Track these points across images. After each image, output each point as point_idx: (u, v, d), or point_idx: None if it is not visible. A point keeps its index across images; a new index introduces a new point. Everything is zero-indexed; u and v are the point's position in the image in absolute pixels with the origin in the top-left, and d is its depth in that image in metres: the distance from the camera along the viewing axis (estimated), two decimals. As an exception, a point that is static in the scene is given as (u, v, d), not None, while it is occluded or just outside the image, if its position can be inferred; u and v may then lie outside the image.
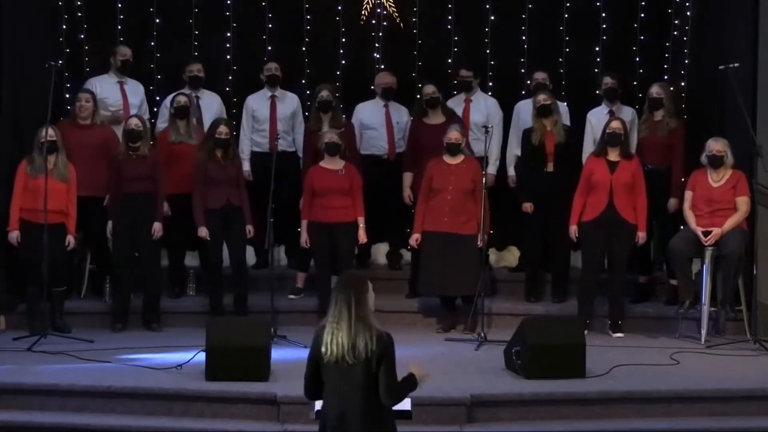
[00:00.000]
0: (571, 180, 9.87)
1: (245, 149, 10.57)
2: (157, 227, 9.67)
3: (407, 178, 10.45)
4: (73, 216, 9.49)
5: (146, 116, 10.47)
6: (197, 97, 10.53)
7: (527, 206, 10.18)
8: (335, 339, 5.50)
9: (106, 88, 10.43)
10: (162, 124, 10.52)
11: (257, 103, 10.70)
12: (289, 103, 10.70)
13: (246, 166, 10.48)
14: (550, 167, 10.09)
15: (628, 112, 10.39)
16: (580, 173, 9.83)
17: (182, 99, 10.15)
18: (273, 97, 10.67)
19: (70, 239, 9.48)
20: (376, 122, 10.65)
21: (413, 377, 5.63)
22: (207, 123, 10.24)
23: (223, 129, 9.75)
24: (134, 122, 9.72)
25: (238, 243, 9.85)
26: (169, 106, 10.27)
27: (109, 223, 9.68)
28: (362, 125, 10.65)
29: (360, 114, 10.69)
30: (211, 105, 10.59)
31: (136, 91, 10.56)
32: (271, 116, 10.61)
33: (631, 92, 10.90)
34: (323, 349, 5.52)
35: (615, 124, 9.66)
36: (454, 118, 10.31)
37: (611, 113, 10.32)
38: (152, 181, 9.69)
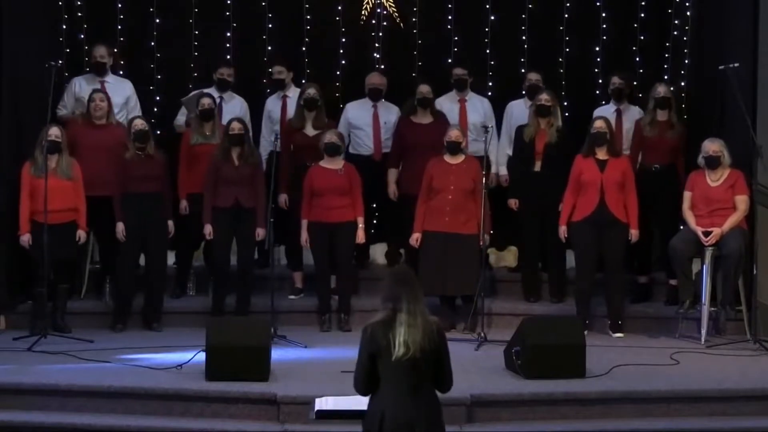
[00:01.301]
0: (559, 181, 9.89)
1: (264, 152, 10.55)
2: (170, 225, 9.70)
3: (392, 174, 10.45)
4: (83, 212, 9.51)
5: (135, 113, 10.39)
6: (221, 98, 10.50)
7: (512, 202, 10.22)
8: (413, 336, 5.46)
9: (86, 87, 10.32)
10: (181, 117, 10.50)
11: (273, 104, 10.69)
12: None
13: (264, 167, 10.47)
14: (537, 167, 10.10)
15: (635, 112, 10.39)
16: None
17: (207, 101, 10.08)
18: (284, 97, 10.66)
19: (81, 234, 9.50)
20: (363, 122, 10.63)
21: None
22: None
23: (235, 125, 9.74)
24: (140, 123, 9.71)
25: (245, 245, 9.83)
26: (195, 107, 10.21)
27: (120, 224, 9.65)
28: (350, 125, 10.63)
29: (348, 113, 10.68)
30: (233, 108, 10.52)
31: (120, 90, 10.45)
32: (282, 116, 10.60)
33: (631, 92, 10.89)
34: (400, 347, 5.45)
35: (598, 124, 9.66)
36: (442, 120, 10.30)
37: (618, 112, 10.34)
38: (160, 181, 9.70)
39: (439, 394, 5.64)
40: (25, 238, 9.37)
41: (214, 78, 10.60)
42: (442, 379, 5.62)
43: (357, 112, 10.67)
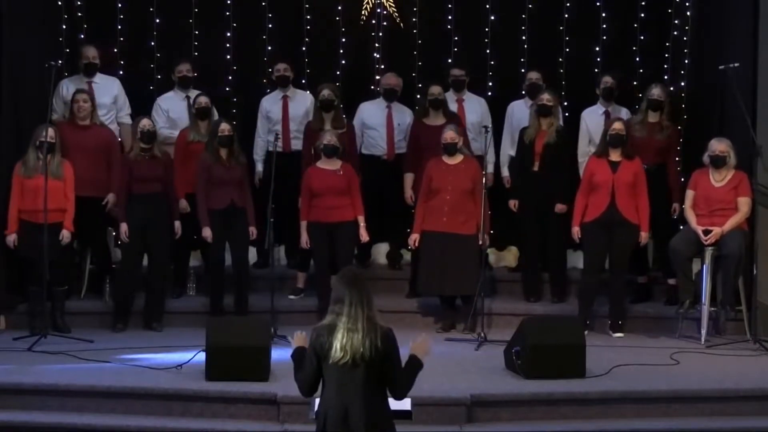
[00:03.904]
0: (557, 181, 9.89)
1: (260, 151, 10.55)
2: (177, 226, 9.70)
3: (408, 178, 10.44)
4: (71, 212, 9.50)
5: (125, 111, 10.42)
6: (188, 97, 10.49)
7: (512, 203, 10.21)
8: (351, 340, 5.45)
9: (74, 89, 10.21)
10: (162, 124, 10.48)
11: (271, 104, 10.69)
12: (302, 102, 10.63)
13: (259, 167, 10.47)
14: (536, 167, 10.10)
15: (623, 113, 10.39)
16: (572, 174, 9.87)
17: (203, 100, 10.12)
18: (285, 97, 10.66)
19: (65, 233, 9.47)
20: (377, 122, 10.63)
21: (416, 358, 5.63)
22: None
23: (225, 127, 9.76)
24: (147, 124, 9.70)
25: (240, 244, 9.84)
26: (173, 109, 10.19)
27: (123, 225, 9.66)
28: (363, 125, 10.65)
29: (362, 113, 10.69)
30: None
31: (107, 90, 10.43)
32: (284, 116, 10.60)
33: (630, 92, 10.89)
34: (337, 351, 5.46)
35: (617, 125, 9.66)
36: (455, 120, 10.29)
37: (607, 113, 10.33)
38: (163, 182, 9.70)
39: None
40: (11, 239, 9.37)
41: (173, 78, 10.55)
42: (392, 385, 5.57)
43: (371, 112, 10.66)
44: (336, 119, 10.20)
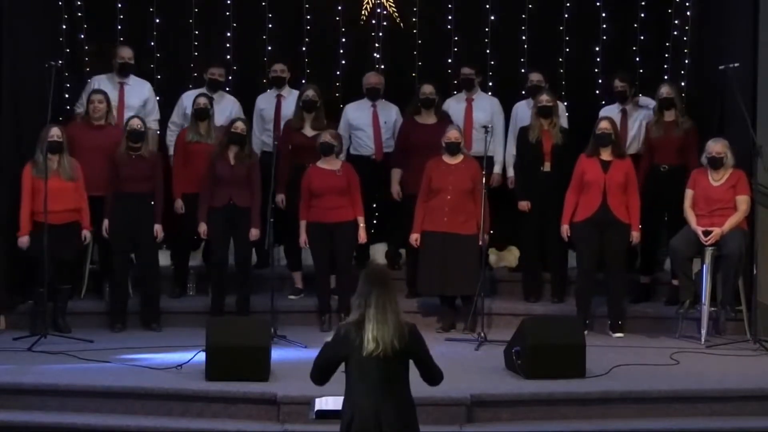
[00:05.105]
0: (567, 180, 9.90)
1: (255, 149, 10.56)
2: (158, 229, 9.68)
3: (395, 173, 10.45)
4: (87, 211, 9.54)
5: (153, 116, 10.44)
6: (212, 98, 10.49)
7: (524, 204, 10.19)
8: (380, 334, 5.52)
9: (104, 88, 10.33)
10: (177, 119, 10.51)
11: (265, 102, 10.69)
12: (294, 101, 10.65)
13: None
14: (547, 167, 10.09)
15: (651, 104, 10.27)
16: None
17: (202, 101, 10.10)
18: (279, 96, 10.66)
19: (86, 234, 9.54)
20: (363, 123, 10.63)
21: None
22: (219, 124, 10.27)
23: (239, 125, 9.75)
24: (136, 123, 9.71)
25: (241, 244, 9.83)
26: (189, 106, 10.22)
27: (105, 222, 9.67)
28: (350, 126, 10.64)
29: (348, 115, 10.68)
30: (225, 108, 10.50)
31: (138, 92, 10.49)
32: (276, 115, 10.60)
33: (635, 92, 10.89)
34: (369, 343, 5.51)
35: (603, 125, 9.66)
36: (447, 120, 10.29)
37: (624, 112, 10.32)
38: (150, 181, 9.68)
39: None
40: (24, 240, 9.36)
41: (204, 78, 10.59)
42: (428, 375, 5.72)
43: (356, 113, 10.67)
44: (316, 119, 10.18)
